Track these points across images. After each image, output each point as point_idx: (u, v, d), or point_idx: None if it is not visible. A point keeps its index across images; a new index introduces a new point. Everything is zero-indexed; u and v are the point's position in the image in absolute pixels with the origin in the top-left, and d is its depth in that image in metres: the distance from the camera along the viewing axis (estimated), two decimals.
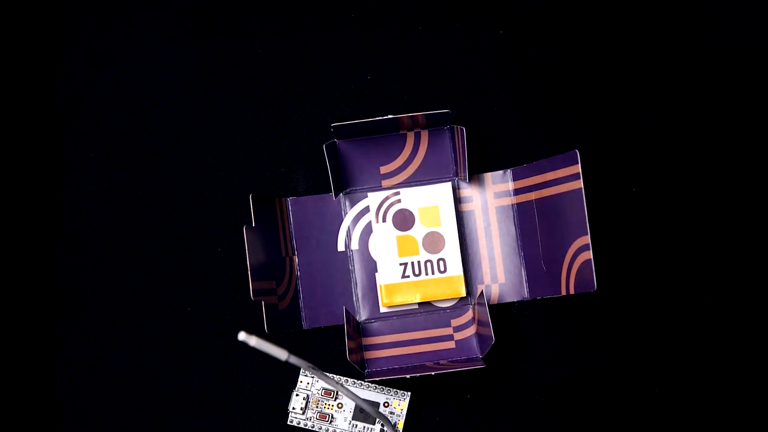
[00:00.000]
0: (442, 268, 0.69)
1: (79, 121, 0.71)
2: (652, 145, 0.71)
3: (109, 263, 0.70)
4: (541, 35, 0.72)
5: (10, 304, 0.68)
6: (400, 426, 0.68)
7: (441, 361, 0.68)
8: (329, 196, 0.70)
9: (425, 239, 0.69)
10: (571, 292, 0.65)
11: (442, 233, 0.69)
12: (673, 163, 0.71)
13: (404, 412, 0.67)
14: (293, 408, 0.67)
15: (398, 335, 0.69)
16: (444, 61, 0.71)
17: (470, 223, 0.70)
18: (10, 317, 0.68)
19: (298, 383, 0.68)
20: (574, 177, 0.64)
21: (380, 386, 0.68)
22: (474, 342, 0.69)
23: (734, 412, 0.66)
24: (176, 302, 0.69)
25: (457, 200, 0.70)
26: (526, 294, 0.69)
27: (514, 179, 0.69)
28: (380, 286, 0.69)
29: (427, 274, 0.69)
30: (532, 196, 0.68)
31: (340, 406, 0.68)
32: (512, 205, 0.69)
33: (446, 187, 0.69)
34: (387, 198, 0.69)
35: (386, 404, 0.68)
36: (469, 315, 0.69)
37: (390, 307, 0.69)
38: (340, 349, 0.69)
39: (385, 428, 0.67)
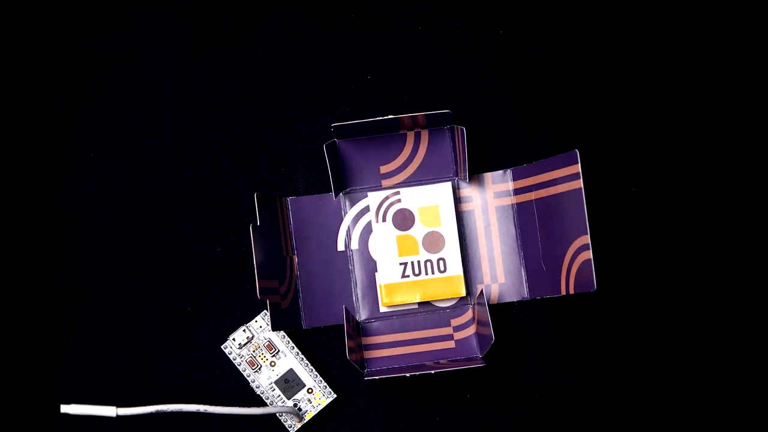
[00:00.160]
0: (442, 268, 0.69)
1: (79, 121, 0.71)
2: (652, 145, 0.71)
3: (109, 263, 0.70)
4: (541, 35, 0.72)
5: (10, 304, 0.68)
6: (309, 416, 0.67)
7: (441, 361, 0.68)
8: (329, 196, 0.70)
9: (425, 239, 0.69)
10: (571, 292, 0.65)
11: (442, 233, 0.69)
12: (673, 163, 0.71)
13: (320, 407, 0.67)
14: (234, 339, 0.68)
15: (398, 335, 0.69)
16: (444, 61, 0.71)
17: (470, 223, 0.70)
18: (10, 317, 0.68)
19: (253, 322, 0.68)
20: (574, 177, 0.64)
21: (314, 371, 0.67)
22: (474, 342, 0.69)
23: (734, 412, 0.66)
24: (176, 302, 0.69)
25: (457, 200, 0.70)
26: (525, 294, 0.69)
27: (514, 179, 0.69)
28: (380, 286, 0.69)
29: (427, 273, 0.69)
30: (532, 195, 0.68)
31: (273, 364, 0.68)
32: (512, 204, 0.69)
33: (446, 187, 0.69)
34: (387, 198, 0.69)
35: (310, 390, 0.67)
36: (468, 315, 0.69)
37: (390, 306, 0.69)
38: (339, 349, 0.69)
39: (288, 418, 0.67)
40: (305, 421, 0.68)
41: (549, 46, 0.72)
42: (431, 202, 0.69)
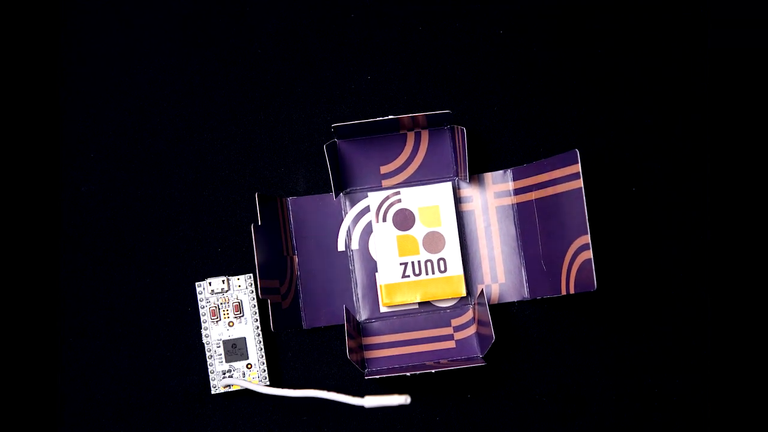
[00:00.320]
0: (442, 268, 0.69)
1: (79, 121, 0.71)
2: (652, 145, 0.71)
3: (109, 263, 0.70)
4: (541, 35, 0.72)
5: (10, 304, 0.68)
6: (234, 388, 0.67)
7: (441, 361, 0.68)
8: (329, 196, 0.70)
9: (425, 239, 0.69)
10: (571, 291, 0.65)
11: (442, 233, 0.69)
12: (673, 163, 0.71)
13: (248, 386, 0.67)
14: (210, 283, 0.68)
15: (398, 335, 0.69)
16: (444, 61, 0.71)
17: (470, 223, 0.70)
18: (10, 317, 0.68)
19: (235, 278, 0.68)
20: (574, 176, 0.64)
21: (263, 352, 0.68)
22: (474, 341, 0.69)
23: (734, 412, 0.66)
24: (176, 302, 0.69)
25: (458, 200, 0.70)
26: (526, 294, 0.69)
27: (514, 179, 0.69)
28: (380, 286, 0.69)
29: (427, 273, 0.69)
30: (532, 195, 0.68)
31: (231, 324, 0.68)
32: (512, 204, 0.69)
33: (446, 187, 0.69)
34: (387, 198, 0.69)
35: (249, 366, 0.68)
36: (469, 315, 0.69)
37: (390, 306, 0.69)
38: (340, 349, 0.69)
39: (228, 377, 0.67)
40: (226, 391, 0.68)
41: (549, 46, 0.72)
42: (431, 202, 0.69)
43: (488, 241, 0.70)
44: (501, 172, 0.70)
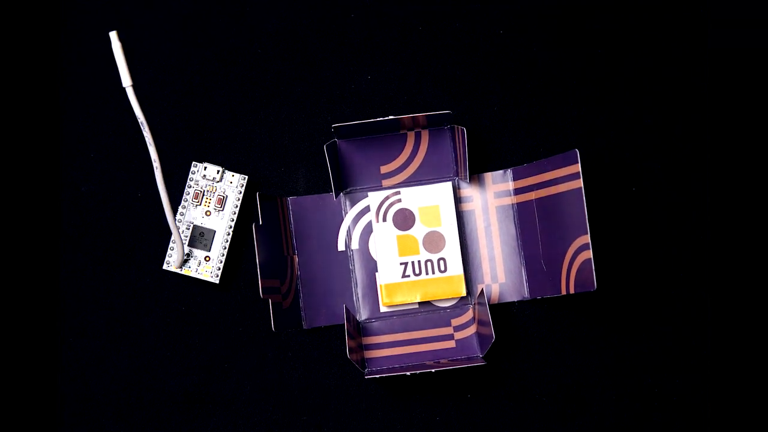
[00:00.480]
0: (442, 268, 0.69)
1: (79, 121, 0.71)
2: (652, 145, 0.71)
3: (109, 263, 0.70)
4: (541, 35, 0.72)
5: (10, 304, 0.68)
6: (186, 272, 0.68)
7: (441, 360, 0.68)
8: (329, 196, 0.70)
9: (425, 239, 0.69)
10: (571, 291, 0.65)
11: (442, 233, 0.69)
12: (673, 163, 0.71)
13: (197, 276, 0.68)
14: (206, 168, 0.68)
15: (398, 335, 0.69)
16: (444, 61, 0.71)
17: (470, 223, 0.70)
18: (10, 317, 0.68)
19: (230, 174, 0.69)
20: (574, 176, 0.64)
21: (225, 253, 0.68)
22: (474, 341, 0.69)
23: (734, 412, 0.66)
24: (176, 302, 0.69)
25: (458, 200, 0.70)
26: (526, 293, 0.69)
27: (515, 179, 0.69)
28: (380, 286, 0.69)
29: (427, 273, 0.69)
30: (532, 195, 0.68)
31: (207, 213, 0.68)
32: (512, 204, 0.69)
33: (446, 187, 0.69)
34: (387, 197, 0.69)
35: (207, 258, 0.68)
36: (469, 314, 0.69)
37: (390, 306, 0.69)
38: (340, 349, 0.69)
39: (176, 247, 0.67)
40: (177, 272, 0.68)
41: (549, 46, 0.72)
42: (431, 202, 0.69)
43: (488, 240, 0.70)
44: (501, 172, 0.70)
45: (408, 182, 0.70)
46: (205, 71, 0.71)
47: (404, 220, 0.69)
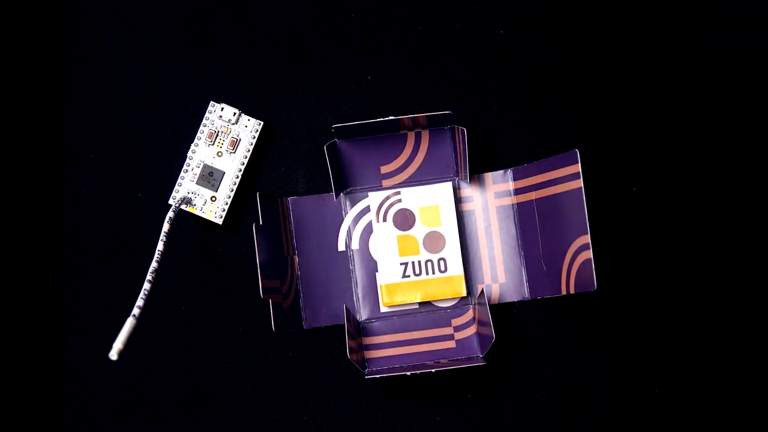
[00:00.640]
0: (442, 268, 0.69)
1: (79, 121, 0.71)
2: (652, 145, 0.71)
3: (109, 263, 0.70)
4: (541, 35, 0.72)
5: (10, 304, 0.68)
6: (191, 210, 0.68)
7: (441, 360, 0.68)
8: (330, 196, 0.70)
9: (426, 239, 0.69)
10: (572, 291, 0.65)
11: (442, 233, 0.69)
12: (673, 163, 0.71)
13: (202, 216, 0.68)
14: (223, 108, 0.68)
15: (398, 335, 0.69)
16: (444, 61, 0.71)
17: (470, 223, 0.70)
18: (11, 317, 0.68)
19: (246, 118, 0.69)
20: (574, 176, 0.64)
21: (231, 196, 0.68)
22: (474, 341, 0.69)
23: (734, 412, 0.66)
24: (176, 302, 0.69)
25: (458, 200, 0.70)
26: (526, 294, 0.69)
27: (515, 179, 0.69)
28: (381, 286, 0.69)
29: (427, 273, 0.69)
30: (533, 195, 0.68)
31: (219, 155, 0.69)
32: (512, 204, 0.69)
33: (447, 187, 0.69)
34: (387, 198, 0.69)
35: (213, 198, 0.68)
36: (469, 315, 0.69)
37: (390, 306, 0.69)
38: (340, 349, 0.69)
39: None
40: (181, 208, 0.68)
41: (549, 46, 0.72)
42: (432, 202, 0.69)
43: (488, 241, 0.70)
44: (501, 172, 0.70)
45: (408, 182, 0.70)
46: (205, 71, 0.71)
47: (404, 220, 0.69)
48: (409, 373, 0.65)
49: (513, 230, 0.70)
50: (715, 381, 0.69)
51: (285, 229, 0.69)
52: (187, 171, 0.68)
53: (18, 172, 0.70)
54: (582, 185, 0.63)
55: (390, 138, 0.70)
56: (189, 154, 0.68)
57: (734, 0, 0.70)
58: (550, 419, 0.69)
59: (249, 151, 0.69)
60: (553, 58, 0.72)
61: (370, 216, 0.70)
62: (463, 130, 0.66)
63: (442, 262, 0.69)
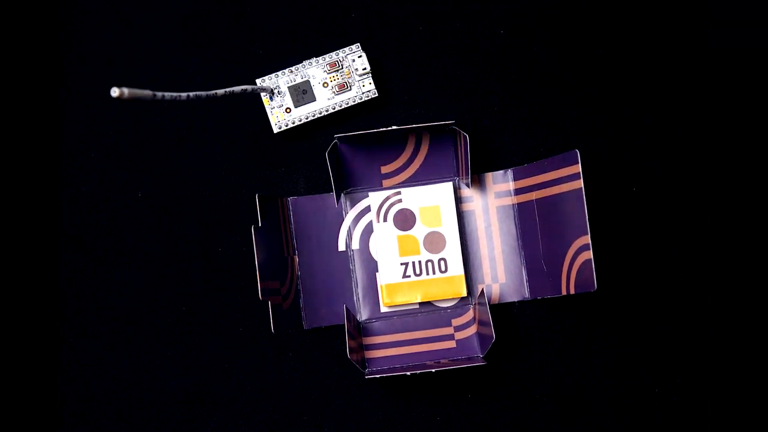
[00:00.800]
0: (443, 268, 0.69)
1: (79, 121, 0.71)
2: (652, 145, 0.71)
3: (109, 263, 0.70)
4: (541, 35, 0.72)
5: (10, 304, 0.68)
6: (265, 103, 0.67)
7: (442, 360, 0.68)
8: (330, 196, 0.70)
9: (426, 239, 0.69)
10: (572, 291, 0.65)
11: (443, 233, 0.69)
12: (673, 163, 0.71)
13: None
14: (360, 56, 0.69)
15: (399, 335, 0.69)
16: (444, 61, 0.71)
17: (471, 223, 0.70)
18: (11, 317, 0.68)
19: (367, 78, 0.69)
20: (575, 177, 0.64)
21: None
22: (475, 341, 0.69)
23: (735, 412, 0.66)
24: (176, 302, 0.69)
25: (458, 200, 0.70)
26: (526, 294, 0.69)
27: (515, 179, 0.69)
28: (381, 286, 0.69)
29: (428, 274, 0.69)
30: (533, 195, 0.68)
31: (324, 84, 0.69)
32: (513, 204, 0.69)
33: (447, 187, 0.69)
34: (388, 198, 0.69)
35: (288, 110, 0.68)
36: (469, 315, 0.69)
37: (391, 307, 0.69)
38: (340, 349, 0.69)
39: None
40: (259, 93, 0.68)
41: (549, 46, 0.72)
42: (432, 202, 0.69)
43: (489, 241, 0.70)
44: (501, 172, 0.70)
45: (408, 182, 0.70)
46: (205, 71, 0.71)
47: (405, 220, 0.69)
48: (409, 373, 0.65)
49: (513, 230, 0.70)
50: (715, 381, 0.69)
51: (285, 230, 0.69)
52: (290, 73, 0.68)
53: (18, 172, 0.70)
54: (582, 185, 0.63)
55: (390, 138, 0.70)
56: (305, 62, 0.68)
57: (734, 0, 0.70)
58: (550, 419, 0.69)
59: (346, 105, 0.69)
60: (553, 58, 0.72)
61: (370, 216, 0.70)
62: (465, 137, 0.66)
63: (442, 263, 0.69)
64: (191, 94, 0.60)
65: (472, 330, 0.69)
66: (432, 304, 0.69)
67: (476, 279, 0.69)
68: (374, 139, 0.69)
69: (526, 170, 0.69)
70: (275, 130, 0.69)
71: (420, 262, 0.69)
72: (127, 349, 0.69)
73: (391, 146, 0.70)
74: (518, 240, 0.69)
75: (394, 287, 0.69)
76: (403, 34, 0.72)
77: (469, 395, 0.69)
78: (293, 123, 0.69)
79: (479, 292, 0.68)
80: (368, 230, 0.70)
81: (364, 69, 0.69)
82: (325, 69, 0.69)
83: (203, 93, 0.60)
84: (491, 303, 0.69)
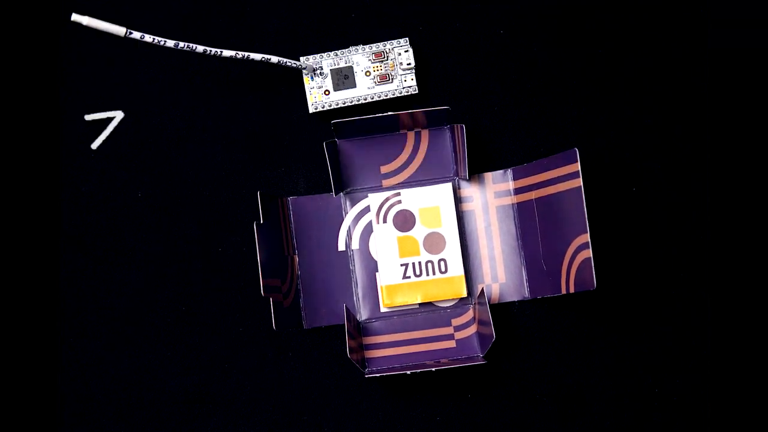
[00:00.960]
0: (443, 269, 0.69)
1: (79, 121, 0.71)
2: (652, 145, 0.71)
3: (109, 263, 0.70)
4: (541, 35, 0.72)
5: (10, 304, 0.68)
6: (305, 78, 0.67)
7: (441, 360, 0.68)
8: (330, 196, 0.70)
9: (426, 240, 0.69)
10: (571, 290, 0.65)
11: (442, 234, 0.69)
12: (673, 163, 0.71)
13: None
14: (407, 51, 0.68)
15: (399, 335, 0.69)
16: (444, 61, 0.71)
17: (470, 223, 0.70)
18: (11, 317, 0.68)
19: (410, 75, 0.69)
20: (574, 175, 0.64)
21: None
22: (475, 341, 0.69)
23: (735, 412, 0.66)
24: (176, 302, 0.69)
25: (458, 200, 0.70)
26: (526, 293, 0.69)
27: (515, 178, 0.69)
28: (381, 287, 0.69)
29: (428, 274, 0.69)
30: (533, 195, 0.68)
31: (367, 73, 0.69)
32: (512, 204, 0.69)
33: (447, 188, 0.69)
34: (387, 199, 0.69)
35: (327, 93, 0.68)
36: (469, 314, 0.69)
37: (391, 307, 0.69)
38: (340, 348, 0.69)
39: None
40: (302, 69, 0.67)
41: (549, 46, 0.72)
42: (432, 203, 0.69)
43: (488, 240, 0.70)
44: (501, 171, 0.70)
45: (408, 182, 0.70)
46: (205, 71, 0.71)
47: (404, 221, 0.69)
48: (409, 372, 0.65)
49: (513, 230, 0.70)
50: (715, 381, 0.69)
51: (285, 229, 0.69)
52: (335, 56, 0.68)
53: (18, 172, 0.70)
54: (581, 184, 0.63)
55: (390, 138, 0.70)
56: (351, 48, 0.68)
57: (734, 0, 0.70)
58: (550, 419, 0.69)
59: (385, 96, 0.69)
60: (553, 58, 0.72)
61: (370, 216, 0.70)
62: (461, 128, 0.66)
63: (442, 263, 0.69)
64: (182, 44, 0.59)
65: (472, 330, 0.69)
66: (432, 304, 0.69)
67: (476, 279, 0.69)
68: (372, 128, 0.69)
69: (525, 170, 0.69)
70: (311, 110, 0.69)
71: (420, 262, 0.69)
72: (127, 349, 0.69)
73: (391, 146, 0.70)
74: (518, 239, 0.69)
75: (394, 288, 0.68)
76: (403, 34, 0.72)
77: (469, 395, 0.69)
78: (329, 106, 0.69)
79: (479, 292, 0.68)
80: (368, 230, 0.70)
81: (409, 64, 0.69)
82: (370, 58, 0.69)
83: (203, 47, 0.59)
84: (491, 303, 0.69)
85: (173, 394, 0.69)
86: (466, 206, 0.70)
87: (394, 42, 0.70)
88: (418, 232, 0.69)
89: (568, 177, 0.65)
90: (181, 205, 0.70)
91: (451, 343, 0.69)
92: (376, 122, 0.67)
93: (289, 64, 0.66)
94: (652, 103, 0.71)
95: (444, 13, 0.72)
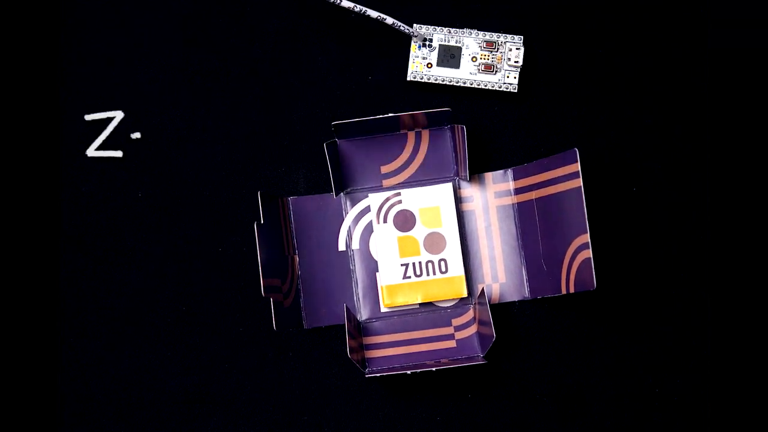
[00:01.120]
0: (443, 269, 0.69)
1: (79, 121, 0.71)
2: (652, 145, 0.71)
3: (109, 263, 0.70)
4: (541, 35, 0.72)
5: (10, 304, 0.68)
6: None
7: (442, 360, 0.68)
8: (330, 196, 0.70)
9: (426, 240, 0.69)
10: (571, 290, 0.65)
11: (443, 234, 0.69)
12: (673, 163, 0.71)
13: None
14: (518, 49, 0.68)
15: (399, 335, 0.69)
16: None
17: (471, 223, 0.70)
18: (11, 317, 0.68)
19: (513, 73, 0.69)
20: (574, 175, 0.64)
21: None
22: (475, 341, 0.69)
23: (735, 412, 0.66)
24: (176, 302, 0.69)
25: (458, 200, 0.70)
26: (526, 293, 0.69)
27: (515, 178, 0.69)
28: (381, 288, 0.69)
29: (428, 274, 0.69)
30: (533, 195, 0.68)
31: (473, 59, 0.69)
32: (513, 204, 0.69)
33: (447, 188, 0.69)
34: (388, 199, 0.69)
35: (429, 66, 0.68)
36: (470, 314, 0.69)
37: (391, 308, 0.69)
38: (340, 348, 0.69)
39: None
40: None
41: (549, 46, 0.72)
42: (432, 203, 0.69)
43: (489, 240, 0.70)
44: (501, 171, 0.70)
45: (408, 182, 0.70)
46: (205, 71, 0.71)
47: (405, 221, 0.69)
48: (409, 372, 0.65)
49: (513, 230, 0.70)
50: (715, 381, 0.69)
51: (285, 229, 0.69)
52: (447, 33, 0.68)
53: (18, 172, 0.70)
54: (581, 184, 0.63)
55: (390, 138, 0.70)
56: (465, 29, 0.68)
57: (734, 0, 0.70)
58: (550, 419, 0.69)
59: (483, 86, 0.69)
60: (553, 58, 0.72)
61: (370, 216, 0.70)
62: (462, 128, 0.66)
63: (442, 263, 0.69)
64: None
65: (473, 330, 0.69)
66: (432, 304, 0.69)
67: (476, 279, 0.69)
68: (373, 129, 0.69)
69: (525, 169, 0.69)
70: (409, 77, 0.70)
71: (420, 263, 0.69)
72: (127, 349, 0.69)
73: (391, 146, 0.70)
74: (518, 239, 0.69)
75: (394, 288, 0.69)
76: (403, 33, 0.72)
77: (469, 395, 0.69)
78: (428, 79, 0.69)
79: (479, 292, 0.68)
80: (368, 230, 0.70)
81: (516, 62, 0.69)
82: (481, 45, 0.69)
83: None
84: (491, 303, 0.69)
85: (173, 394, 0.69)
86: (467, 206, 0.70)
87: (509, 36, 0.70)
88: (419, 232, 0.69)
89: (568, 177, 0.65)
90: (181, 205, 0.70)
91: (452, 343, 0.69)
92: (377, 122, 0.68)
93: (402, 28, 0.66)
94: (652, 103, 0.71)
95: (444, 13, 0.72)
